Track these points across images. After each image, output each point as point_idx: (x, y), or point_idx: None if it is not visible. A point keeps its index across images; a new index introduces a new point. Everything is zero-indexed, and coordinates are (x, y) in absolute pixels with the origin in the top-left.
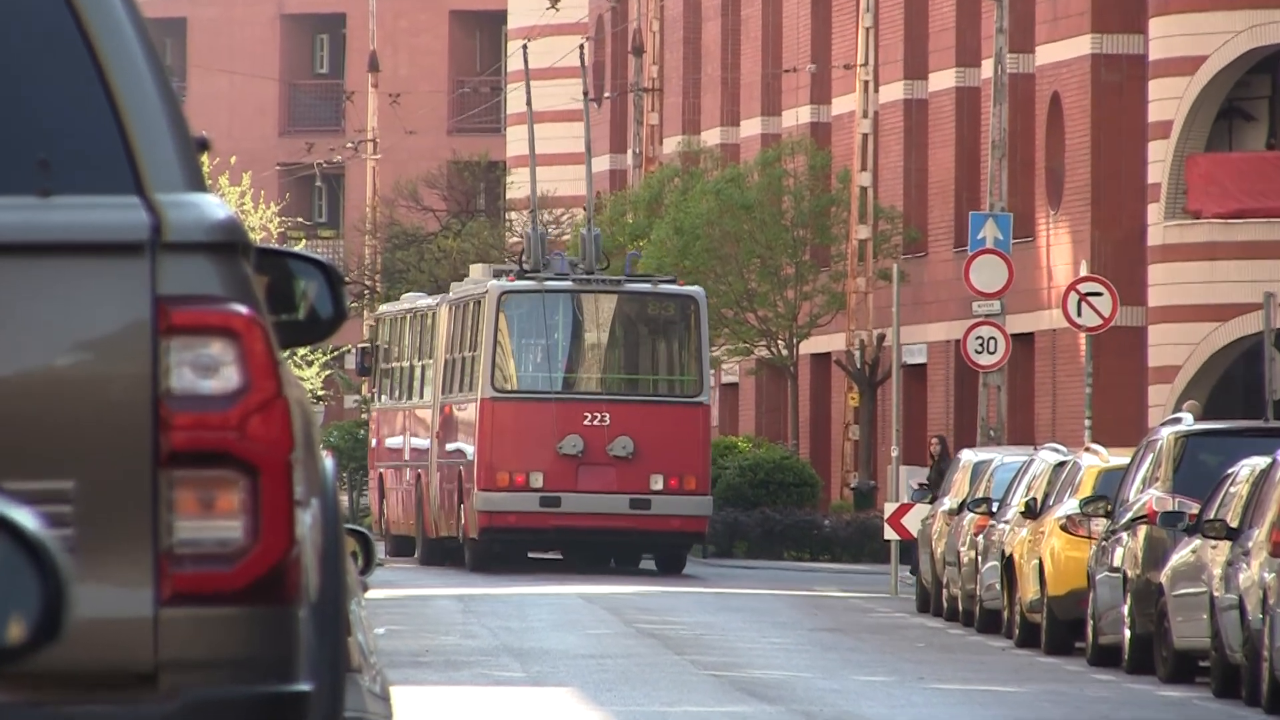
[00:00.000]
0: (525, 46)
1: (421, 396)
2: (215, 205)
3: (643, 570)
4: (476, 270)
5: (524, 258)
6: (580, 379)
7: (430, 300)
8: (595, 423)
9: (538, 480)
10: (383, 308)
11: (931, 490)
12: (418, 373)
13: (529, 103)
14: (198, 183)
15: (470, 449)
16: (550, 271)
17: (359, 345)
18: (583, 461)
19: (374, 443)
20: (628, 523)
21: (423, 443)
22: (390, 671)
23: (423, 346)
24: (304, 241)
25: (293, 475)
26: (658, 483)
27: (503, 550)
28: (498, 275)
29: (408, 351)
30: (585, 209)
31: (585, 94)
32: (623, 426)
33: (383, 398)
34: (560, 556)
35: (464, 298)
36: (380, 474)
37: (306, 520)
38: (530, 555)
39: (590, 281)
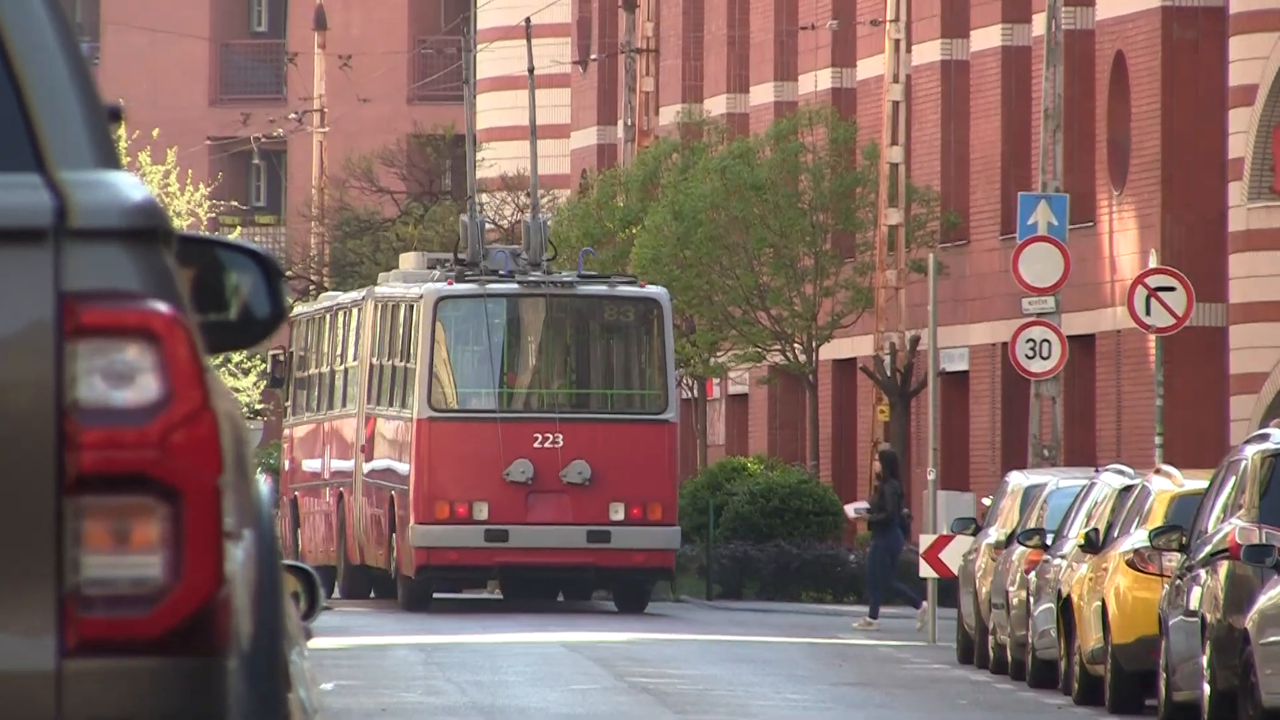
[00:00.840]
0: None
1: (344, 406)
2: (131, 185)
3: (598, 609)
4: (407, 260)
5: (458, 249)
6: (529, 395)
7: (353, 295)
8: (546, 445)
9: (482, 511)
10: (298, 309)
11: (876, 513)
12: (339, 380)
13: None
14: (110, 159)
15: (403, 470)
16: (490, 266)
17: (270, 352)
18: (533, 489)
19: (287, 464)
20: (585, 558)
21: (345, 462)
22: None
23: (344, 351)
24: (239, 229)
25: (222, 502)
26: (618, 512)
27: (442, 589)
28: (431, 266)
29: (327, 357)
30: (528, 192)
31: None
32: (578, 449)
33: (299, 412)
34: (499, 596)
35: (393, 298)
36: (295, 497)
37: (238, 555)
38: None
39: (539, 283)
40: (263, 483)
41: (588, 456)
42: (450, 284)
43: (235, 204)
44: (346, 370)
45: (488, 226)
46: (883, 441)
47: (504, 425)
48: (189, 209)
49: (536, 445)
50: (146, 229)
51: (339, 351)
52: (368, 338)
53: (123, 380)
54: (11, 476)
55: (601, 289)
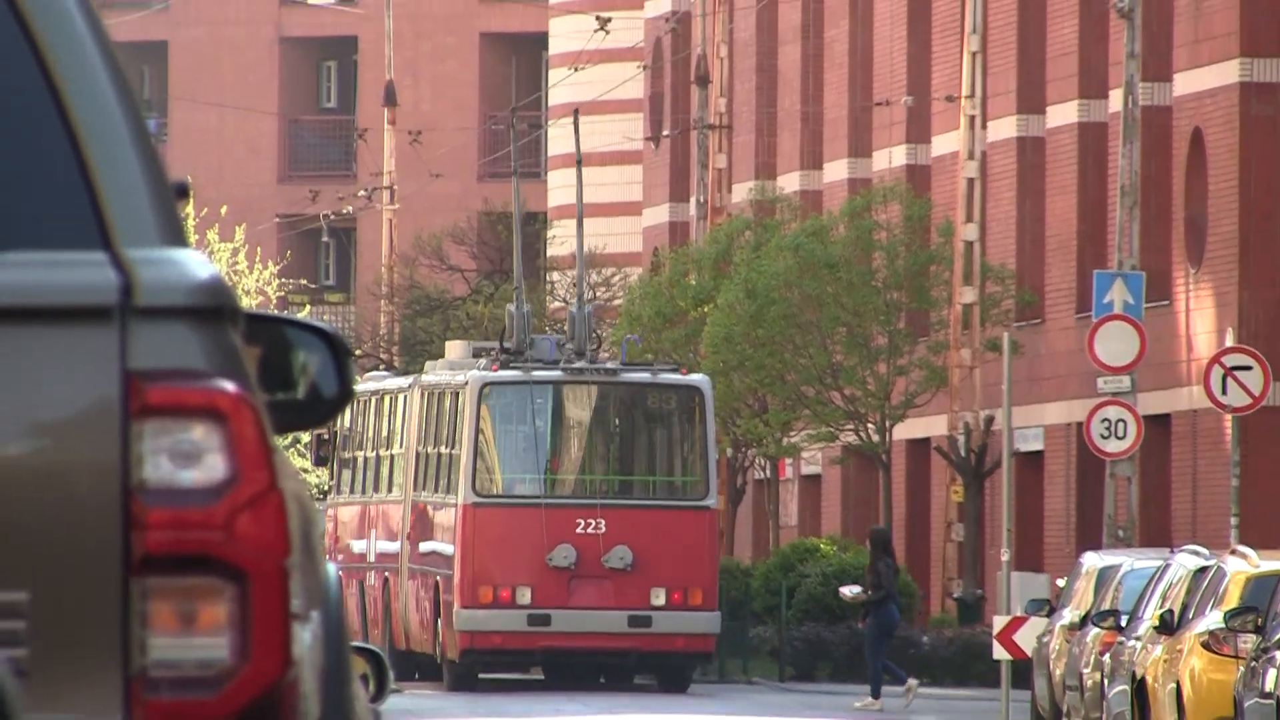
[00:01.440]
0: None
1: (390, 491)
2: (197, 263)
3: (639, 686)
4: (453, 349)
5: (504, 337)
6: (572, 481)
7: (400, 382)
8: (589, 530)
9: (525, 596)
10: None
11: (874, 592)
12: (385, 465)
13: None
14: (177, 236)
15: (448, 554)
16: (535, 355)
17: (314, 432)
18: (576, 574)
19: (330, 542)
20: (626, 643)
21: (391, 545)
22: None
23: (390, 436)
24: (308, 307)
25: (289, 584)
26: (659, 597)
27: (486, 671)
28: (477, 355)
29: (372, 440)
30: (575, 278)
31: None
32: (620, 534)
33: (343, 491)
34: (541, 676)
35: (440, 385)
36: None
37: (306, 637)
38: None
39: (582, 370)
40: (330, 565)
41: (630, 542)
42: (495, 370)
43: (304, 282)
44: (393, 456)
45: (556, 305)
46: (957, 522)
47: (547, 511)
48: (257, 287)
49: (579, 531)
50: (213, 307)
51: (384, 435)
52: (414, 424)
53: (189, 460)
54: (78, 557)
55: (644, 376)
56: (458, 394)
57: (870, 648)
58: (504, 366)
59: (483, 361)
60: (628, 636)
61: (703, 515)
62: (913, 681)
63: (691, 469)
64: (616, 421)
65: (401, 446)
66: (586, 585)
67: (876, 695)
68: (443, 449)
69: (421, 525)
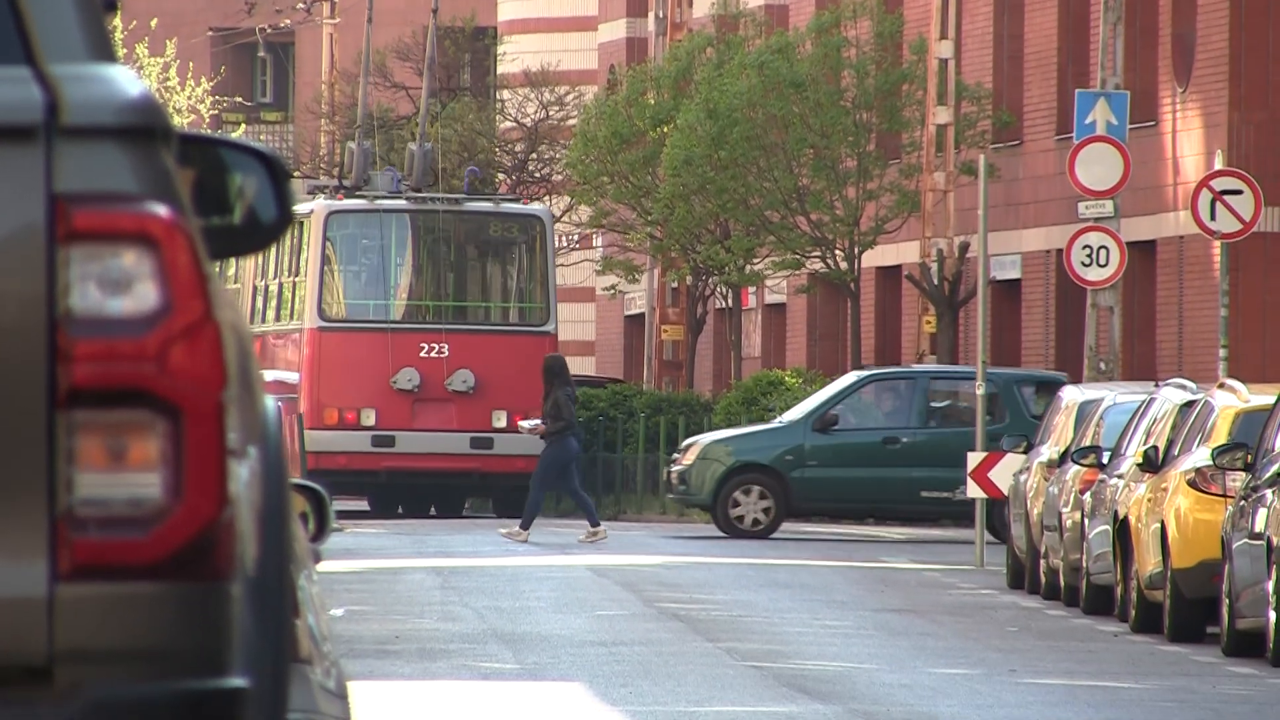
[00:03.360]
0: None
1: None
2: (126, 79)
3: (476, 515)
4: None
5: (341, 173)
6: (416, 307)
7: None
8: (433, 354)
9: (370, 418)
10: None
11: (554, 423)
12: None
13: None
14: (105, 51)
15: (294, 380)
16: (377, 189)
17: None
18: (419, 397)
19: None
20: (469, 464)
21: None
22: (350, 663)
23: (238, 271)
24: (243, 127)
25: (225, 418)
26: (500, 419)
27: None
28: (312, 192)
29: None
30: (416, 119)
31: None
32: (463, 359)
33: None
34: (366, 505)
35: None
36: None
37: (242, 474)
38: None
39: (426, 200)
40: (269, 398)
41: (472, 366)
42: (340, 198)
43: (240, 100)
44: (237, 290)
45: (507, 124)
46: (930, 354)
47: (392, 335)
48: (189, 105)
49: (423, 355)
50: (144, 127)
51: (230, 272)
52: (249, 260)
53: (119, 288)
54: (1, 391)
55: (487, 206)
56: (302, 224)
57: (538, 478)
58: (348, 197)
59: (319, 199)
60: (470, 458)
61: (543, 340)
62: (602, 529)
63: (532, 296)
64: (459, 250)
65: (237, 282)
66: (430, 408)
67: (526, 526)
68: (287, 278)
69: (267, 357)
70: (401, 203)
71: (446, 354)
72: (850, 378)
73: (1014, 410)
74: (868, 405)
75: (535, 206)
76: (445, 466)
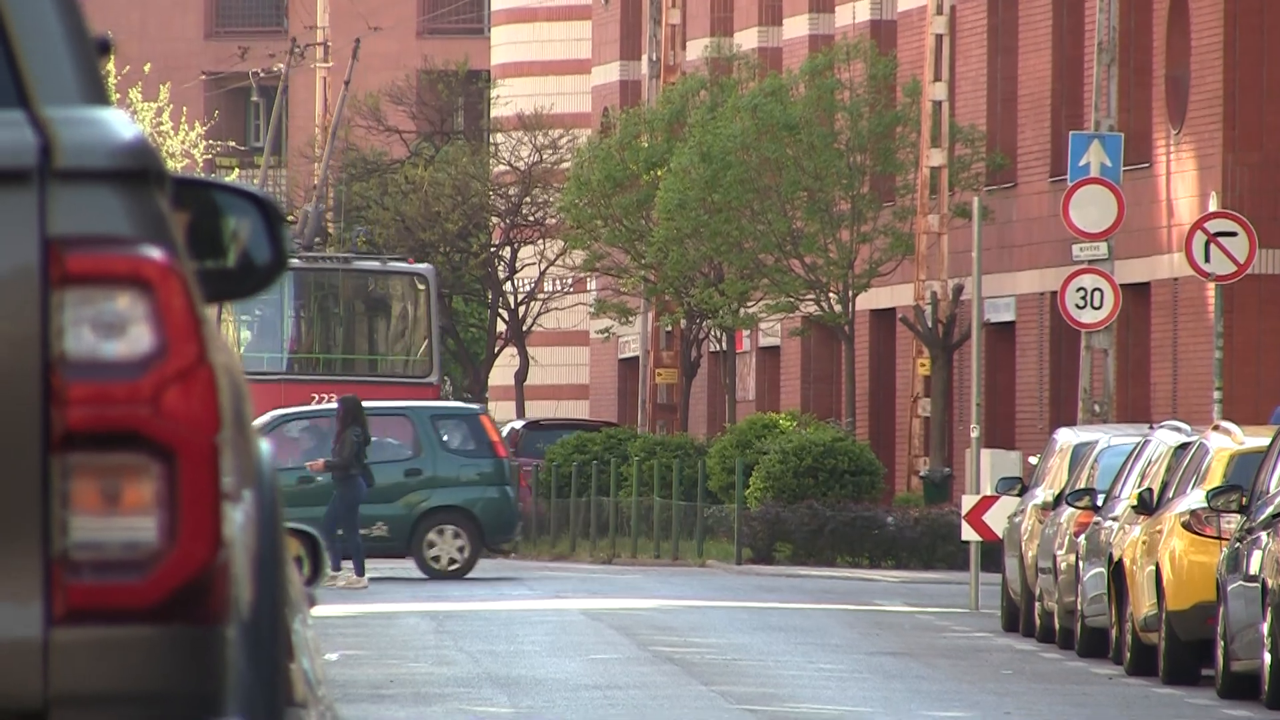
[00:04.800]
0: None
1: None
2: (120, 123)
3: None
4: None
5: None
6: (306, 359)
7: None
8: (359, 400)
9: None
10: None
11: (337, 461)
12: None
13: None
14: (99, 95)
15: None
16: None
17: None
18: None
19: None
20: None
21: None
22: (345, 707)
23: None
24: (237, 170)
25: (220, 461)
26: None
27: None
28: None
29: None
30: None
31: None
32: None
33: None
34: None
35: None
36: None
37: (237, 518)
38: None
39: (318, 259)
40: (264, 441)
41: None
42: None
43: (233, 144)
44: None
45: (501, 168)
46: (924, 397)
47: (285, 386)
48: (183, 149)
49: (314, 405)
50: (138, 170)
51: None
52: None
53: (113, 331)
54: None
55: (373, 265)
56: None
57: (327, 520)
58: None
59: None
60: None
61: (426, 390)
62: (365, 581)
63: (415, 349)
64: (348, 305)
65: None
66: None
67: (336, 567)
68: None
69: None
70: (295, 261)
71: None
72: (267, 417)
73: (429, 445)
74: (289, 444)
75: (421, 266)
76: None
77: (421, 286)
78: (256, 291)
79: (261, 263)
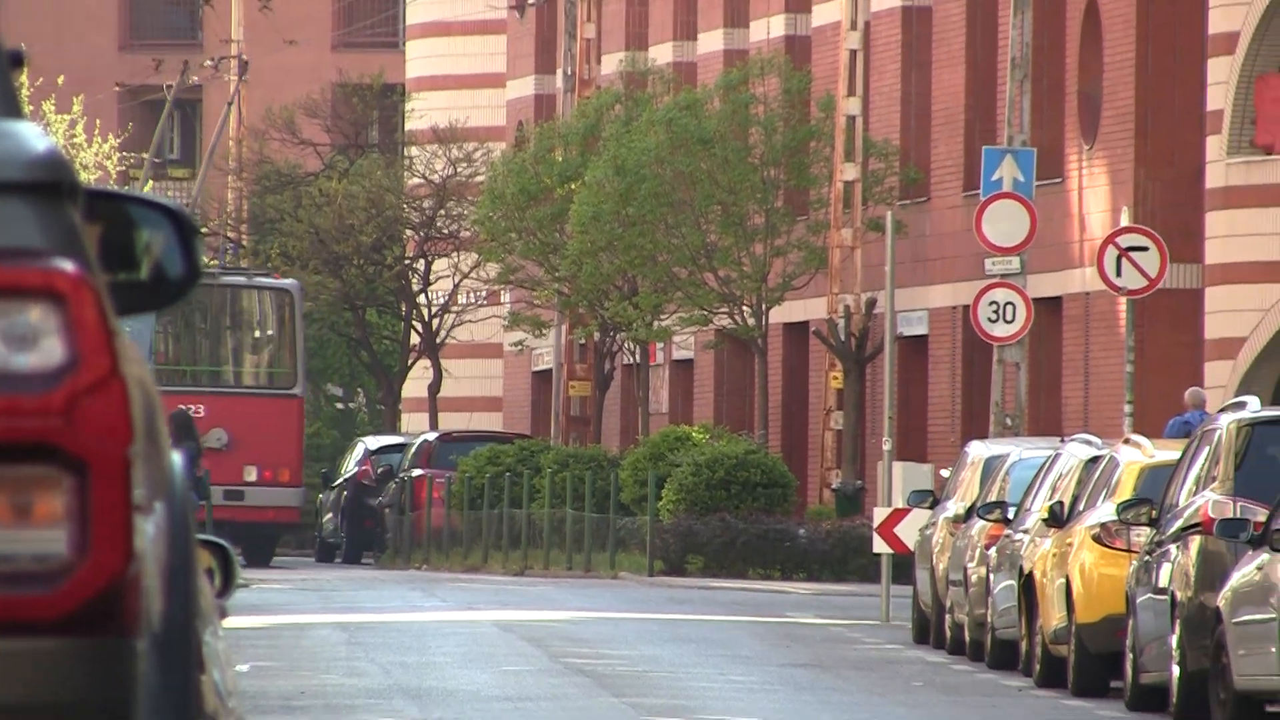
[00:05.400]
0: None
1: None
2: (33, 135)
3: None
4: None
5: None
6: (173, 371)
7: None
8: (192, 414)
9: None
10: None
11: None
12: None
13: None
14: (11, 107)
15: None
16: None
17: None
18: None
19: None
20: (223, 514)
21: None
22: (256, 719)
23: None
24: (151, 183)
25: (131, 474)
26: (251, 474)
27: None
28: None
29: None
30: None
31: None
32: (218, 418)
33: None
34: None
35: None
36: None
37: (149, 530)
38: None
39: None
40: (175, 454)
41: (226, 425)
42: None
43: (146, 156)
44: None
45: (415, 181)
46: (836, 410)
47: None
48: (97, 161)
49: None
50: (51, 182)
51: None
52: None
53: (25, 344)
54: None
55: (240, 280)
56: None
57: None
58: None
59: None
60: (224, 508)
61: (291, 402)
62: None
63: (281, 362)
64: (215, 319)
65: None
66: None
67: None
68: None
69: None
70: None
71: (203, 414)
72: None
73: None
74: None
75: (286, 281)
76: (200, 517)
77: (287, 300)
78: (169, 304)
79: (174, 275)
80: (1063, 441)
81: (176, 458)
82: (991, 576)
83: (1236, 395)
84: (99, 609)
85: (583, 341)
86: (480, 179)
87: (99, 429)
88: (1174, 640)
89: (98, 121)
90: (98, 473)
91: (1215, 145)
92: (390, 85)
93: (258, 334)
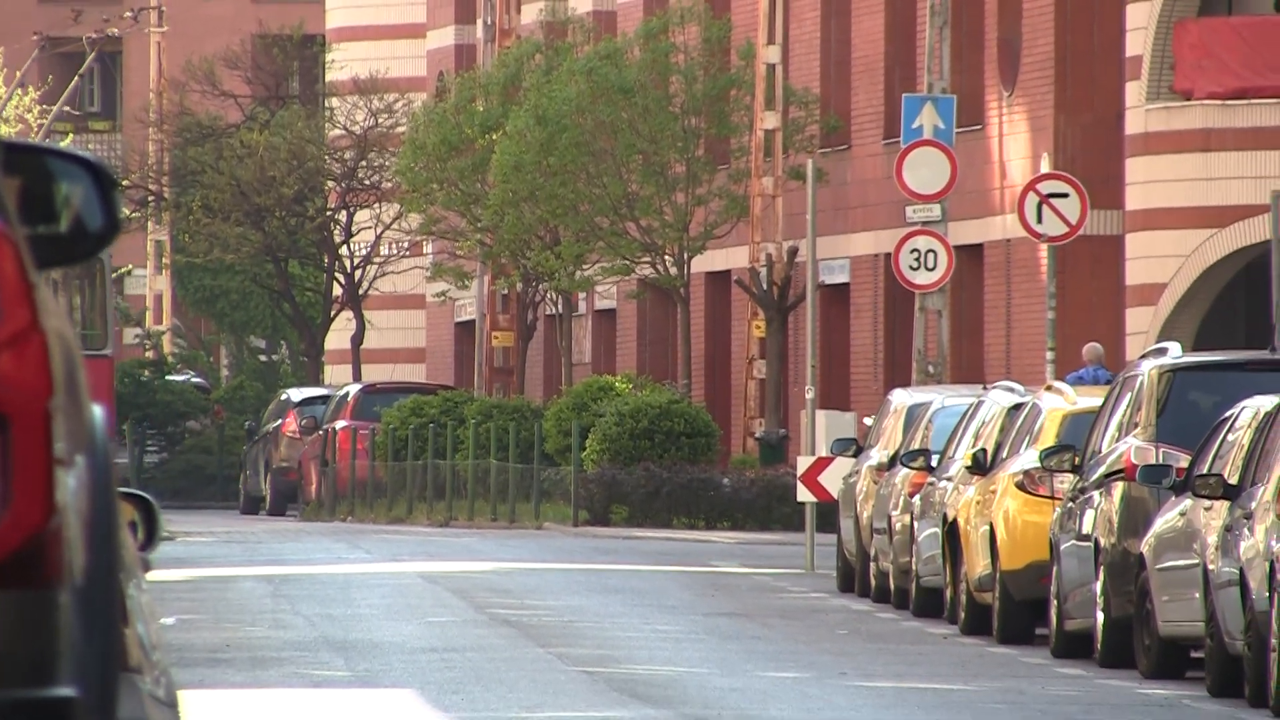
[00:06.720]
0: None
1: None
2: None
3: None
4: None
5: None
6: None
7: None
8: None
9: None
10: None
11: None
12: None
13: None
14: None
15: None
16: None
17: None
18: None
19: None
20: None
21: None
22: (181, 671)
23: None
24: (71, 136)
25: (52, 426)
26: None
27: None
28: None
29: None
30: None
31: None
32: None
33: None
34: None
35: None
36: None
37: (70, 483)
38: None
39: None
40: (96, 407)
41: None
42: None
43: (67, 110)
44: None
45: (336, 132)
46: (759, 359)
47: None
48: (17, 115)
49: None
50: None
51: None
52: None
53: None
54: None
55: None
56: None
57: None
58: None
59: None
60: None
61: (103, 362)
62: None
63: (93, 324)
64: None
65: None
66: None
67: None
68: None
69: None
70: None
71: None
72: None
73: None
74: None
75: None
76: None
77: (96, 264)
78: (88, 256)
79: (94, 228)
80: (985, 389)
81: (97, 411)
82: (915, 524)
83: (1158, 341)
84: (21, 562)
85: (505, 292)
86: (401, 130)
87: (19, 382)
88: (1098, 587)
89: (17, 74)
90: (18, 426)
91: (1135, 91)
92: (310, 36)
93: (70, 296)
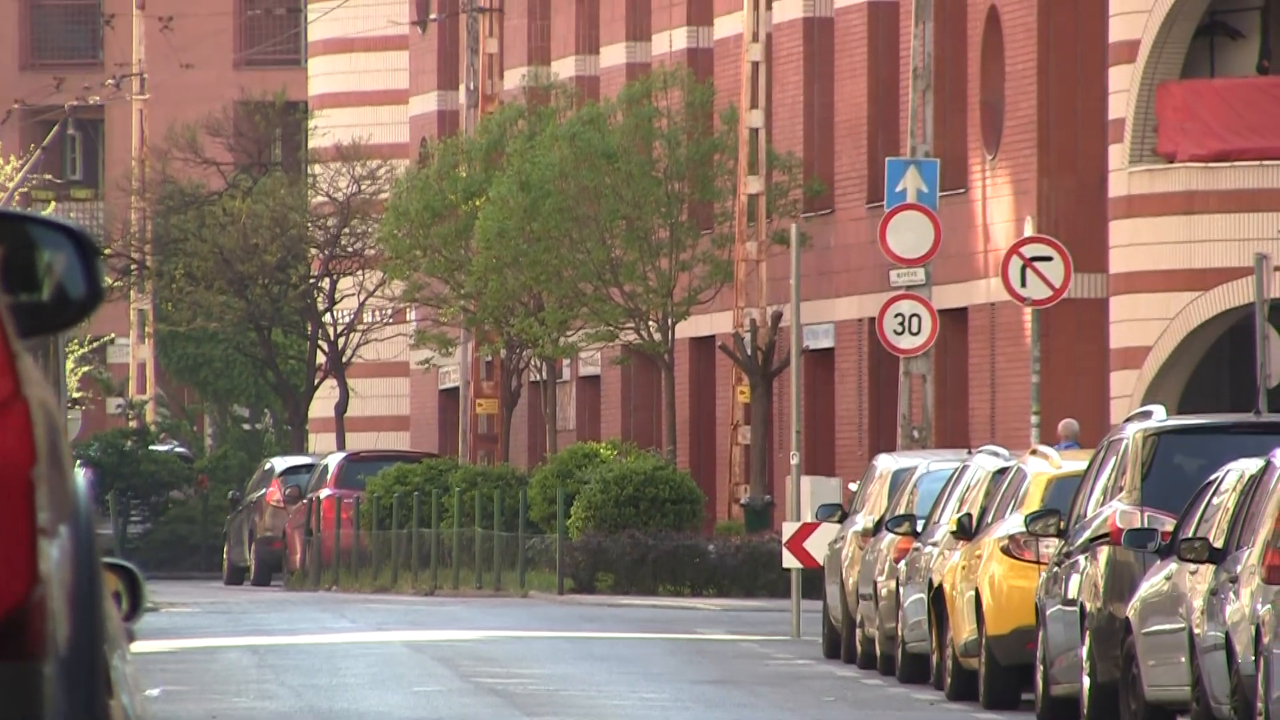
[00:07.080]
0: None
1: None
2: None
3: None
4: None
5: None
6: None
7: None
8: None
9: None
10: None
11: None
12: None
13: None
14: None
15: None
16: None
17: None
18: None
19: None
20: None
21: None
22: None
23: None
24: (53, 204)
25: (35, 497)
26: None
27: None
28: None
29: None
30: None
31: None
32: None
33: None
34: None
35: None
36: None
37: (54, 553)
38: None
39: None
40: (80, 476)
41: None
42: None
43: (49, 177)
44: None
45: (319, 199)
46: (744, 425)
47: None
48: None
49: None
50: None
51: None
52: None
53: None
54: None
55: None
56: None
57: None
58: None
59: None
60: None
61: None
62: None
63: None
64: None
65: None
66: None
67: None
68: None
69: None
70: None
71: None
72: None
73: None
74: None
75: None
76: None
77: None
78: (72, 324)
79: (76, 296)
80: (970, 453)
81: (81, 479)
82: (901, 590)
83: (1142, 405)
84: (4, 633)
85: (489, 359)
86: (384, 196)
87: (1, 451)
88: (1084, 651)
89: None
90: (1, 495)
91: (1118, 154)
92: (293, 102)
93: None
